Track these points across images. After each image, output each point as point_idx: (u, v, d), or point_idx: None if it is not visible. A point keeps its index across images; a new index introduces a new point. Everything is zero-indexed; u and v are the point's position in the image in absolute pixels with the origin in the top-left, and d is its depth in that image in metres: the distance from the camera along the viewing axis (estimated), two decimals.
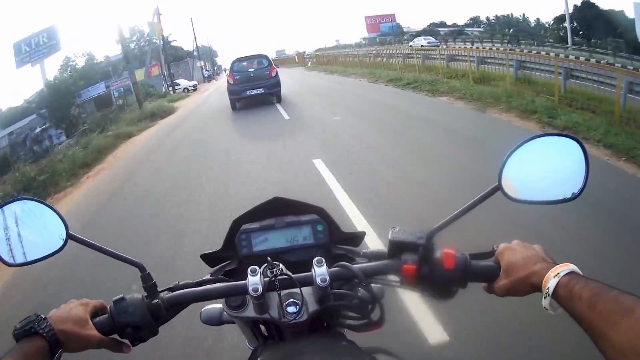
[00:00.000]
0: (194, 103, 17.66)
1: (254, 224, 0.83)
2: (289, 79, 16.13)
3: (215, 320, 0.88)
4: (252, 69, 11.32)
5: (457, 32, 35.79)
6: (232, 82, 11.17)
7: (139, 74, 24.13)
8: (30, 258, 0.64)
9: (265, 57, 11.63)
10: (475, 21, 45.11)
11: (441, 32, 38.30)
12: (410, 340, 1.93)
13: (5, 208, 0.63)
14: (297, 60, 33.47)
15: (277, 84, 11.18)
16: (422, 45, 24.18)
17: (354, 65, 20.27)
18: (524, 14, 42.23)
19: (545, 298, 0.53)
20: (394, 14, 47.69)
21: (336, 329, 0.75)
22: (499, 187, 0.61)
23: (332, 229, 0.83)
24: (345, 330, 0.76)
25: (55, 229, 0.64)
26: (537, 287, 0.56)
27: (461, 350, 1.88)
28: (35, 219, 0.64)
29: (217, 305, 0.88)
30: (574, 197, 0.60)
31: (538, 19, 41.18)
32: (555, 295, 0.52)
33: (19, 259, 0.64)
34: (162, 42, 29.57)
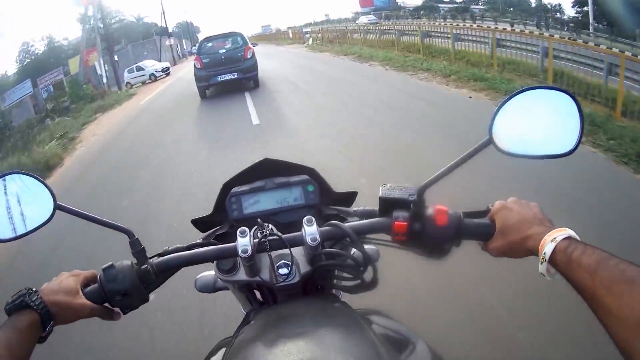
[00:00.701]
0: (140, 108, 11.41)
1: (244, 186, 0.82)
2: (299, 73, 11.04)
3: (210, 288, 0.89)
4: (224, 50, 9.48)
5: (462, 10, 33.44)
6: (199, 67, 9.36)
7: (73, 65, 18.19)
8: (19, 232, 0.63)
9: (240, 35, 9.75)
10: None
11: (441, 10, 35.97)
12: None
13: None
14: (292, 36, 26.60)
15: (254, 67, 9.38)
16: (364, 23, 23.91)
17: (372, 44, 13.46)
18: None
19: (541, 263, 0.52)
20: None
21: (329, 291, 0.76)
22: (490, 141, 0.59)
23: (323, 189, 0.83)
24: (340, 293, 0.77)
25: (43, 200, 0.63)
26: (533, 251, 0.55)
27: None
28: (23, 192, 0.63)
29: (211, 272, 0.87)
30: (569, 152, 0.57)
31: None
32: (552, 260, 0.51)
33: (8, 234, 0.63)
34: (98, 14, 19.30)
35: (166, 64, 22.24)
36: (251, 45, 9.65)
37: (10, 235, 0.63)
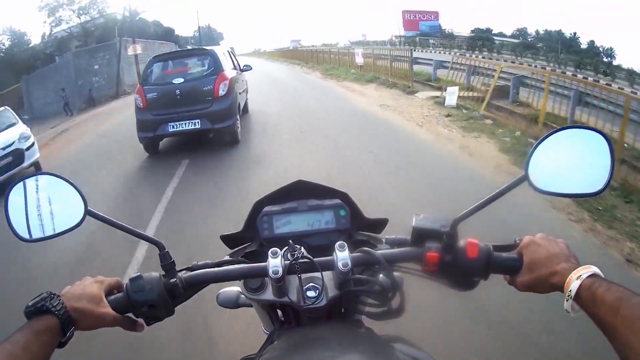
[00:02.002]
0: None
1: (276, 206, 0.81)
2: None
3: (232, 303, 0.89)
4: (181, 80, 5.53)
5: (524, 47, 29.33)
6: (142, 106, 5.52)
7: None
8: (47, 233, 0.63)
9: (210, 54, 5.81)
10: (522, 33, 40.38)
11: (456, 38, 31.97)
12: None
13: (27, 181, 0.62)
14: (360, 61, 12.99)
15: (230, 111, 5.56)
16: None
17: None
18: (574, 33, 36.82)
19: (567, 300, 0.53)
20: (437, 12, 40.95)
21: (353, 316, 0.74)
22: (525, 177, 0.60)
23: (355, 214, 0.82)
24: (362, 317, 0.74)
25: (75, 204, 0.63)
26: (558, 288, 0.56)
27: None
28: (54, 194, 0.63)
29: (234, 288, 0.90)
30: (599, 191, 0.58)
31: (592, 42, 34.49)
32: (577, 297, 0.52)
33: (37, 234, 0.62)
34: None
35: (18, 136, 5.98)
36: (228, 74, 5.59)
37: (39, 235, 0.62)
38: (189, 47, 6.25)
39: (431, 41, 30.75)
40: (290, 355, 0.59)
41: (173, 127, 5.36)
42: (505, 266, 0.63)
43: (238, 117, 5.68)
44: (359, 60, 12.90)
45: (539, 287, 0.59)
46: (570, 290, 0.52)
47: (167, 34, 28.79)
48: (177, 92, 5.31)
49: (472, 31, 40.65)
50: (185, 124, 5.34)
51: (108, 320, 0.60)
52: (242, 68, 7.02)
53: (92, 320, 0.59)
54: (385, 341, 0.63)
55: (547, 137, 0.59)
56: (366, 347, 0.61)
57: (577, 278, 0.52)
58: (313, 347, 0.59)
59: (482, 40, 31.33)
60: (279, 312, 0.77)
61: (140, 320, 0.64)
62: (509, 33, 40.54)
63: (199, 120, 5.31)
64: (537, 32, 39.08)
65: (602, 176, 0.57)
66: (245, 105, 7.71)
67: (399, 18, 39.61)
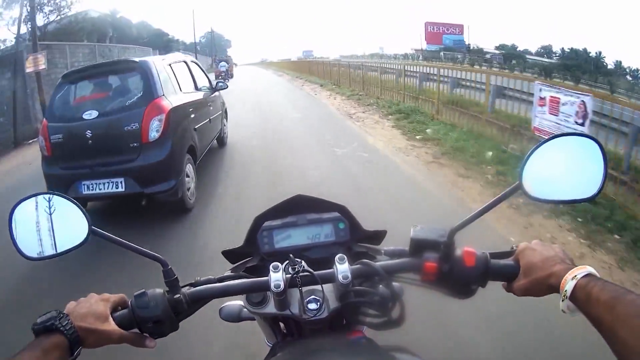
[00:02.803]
0: None
1: (276, 221, 0.83)
2: None
3: (235, 317, 0.90)
4: (94, 115, 3.39)
5: (516, 57, 27.03)
6: (47, 153, 3.40)
7: None
8: (50, 252, 0.63)
9: (140, 68, 3.65)
10: (547, 50, 38.65)
11: (487, 55, 29.86)
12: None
13: (29, 201, 0.63)
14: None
15: (168, 168, 3.41)
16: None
17: None
18: (599, 52, 35.00)
19: (562, 300, 0.54)
20: (462, 25, 38.48)
21: (355, 326, 0.75)
22: (519, 186, 0.61)
23: (353, 226, 0.83)
24: (364, 328, 0.76)
25: (78, 222, 0.64)
26: (555, 289, 0.57)
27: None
28: (57, 213, 0.63)
29: (236, 302, 0.90)
30: (593, 197, 0.60)
31: (619, 62, 31.67)
32: (572, 297, 0.53)
33: (40, 253, 0.63)
34: None
35: None
36: (167, 102, 3.58)
37: (43, 253, 0.63)
38: (115, 60, 4.14)
39: (459, 56, 28.42)
40: None
41: (88, 187, 3.34)
42: (503, 273, 0.65)
43: (189, 171, 3.59)
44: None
45: (536, 290, 0.60)
46: (565, 290, 0.53)
47: (157, 38, 22.63)
48: (88, 133, 3.28)
49: (497, 47, 38.36)
50: (104, 184, 3.32)
51: (115, 337, 0.61)
52: (215, 86, 5.08)
53: (100, 338, 0.60)
54: (386, 351, 0.64)
55: (539, 145, 0.60)
56: (366, 357, 0.63)
57: (572, 278, 0.53)
58: (316, 359, 0.62)
59: (514, 57, 28.83)
60: (281, 325, 0.79)
61: (146, 336, 0.64)
62: (533, 50, 38.23)
63: (122, 181, 3.25)
64: (562, 50, 36.95)
65: (596, 181, 0.59)
66: (222, 136, 5.78)
67: (421, 30, 37.29)
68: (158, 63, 3.75)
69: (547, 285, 0.57)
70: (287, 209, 0.83)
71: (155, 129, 3.24)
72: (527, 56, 34.47)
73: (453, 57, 27.89)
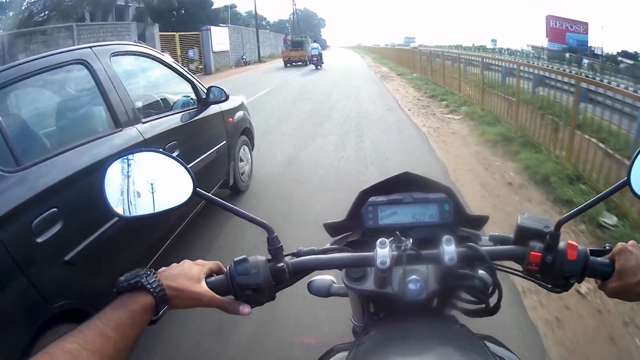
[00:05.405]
0: None
1: (382, 197, 0.81)
2: None
3: (324, 292, 0.89)
4: None
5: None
6: None
7: None
8: (147, 211, 0.62)
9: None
10: None
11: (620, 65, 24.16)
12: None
13: (132, 157, 0.62)
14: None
15: None
16: None
17: None
18: None
19: None
20: (587, 23, 32.36)
21: (446, 310, 0.73)
22: (627, 182, 0.60)
23: (458, 209, 0.81)
24: (454, 312, 0.74)
25: (182, 183, 0.63)
26: None
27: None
28: (162, 172, 0.63)
29: (326, 277, 0.89)
30: None
31: None
32: None
33: (134, 211, 0.62)
34: None
35: None
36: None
37: (136, 212, 0.62)
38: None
39: (585, 61, 23.54)
40: (389, 346, 0.61)
41: None
42: (598, 271, 0.64)
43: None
44: None
45: (627, 294, 0.60)
46: None
47: (196, 7, 13.98)
48: None
49: (619, 53, 31.69)
50: None
51: (205, 299, 0.59)
52: (208, 97, 2.97)
53: (188, 299, 0.58)
54: (479, 339, 0.62)
55: None
56: (463, 344, 0.61)
57: None
58: (412, 341, 0.61)
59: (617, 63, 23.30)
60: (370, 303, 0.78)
61: (243, 303, 0.63)
62: None
63: None
64: None
65: None
66: (237, 179, 3.48)
67: (541, 25, 32.17)
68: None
69: (637, 293, 0.57)
70: (392, 185, 0.81)
71: None
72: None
73: (578, 61, 23.13)
